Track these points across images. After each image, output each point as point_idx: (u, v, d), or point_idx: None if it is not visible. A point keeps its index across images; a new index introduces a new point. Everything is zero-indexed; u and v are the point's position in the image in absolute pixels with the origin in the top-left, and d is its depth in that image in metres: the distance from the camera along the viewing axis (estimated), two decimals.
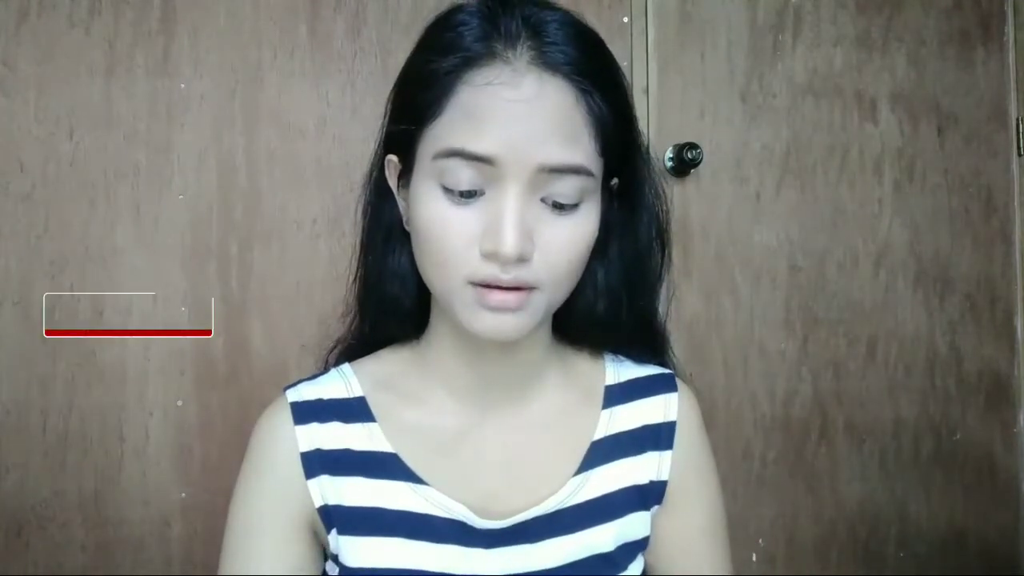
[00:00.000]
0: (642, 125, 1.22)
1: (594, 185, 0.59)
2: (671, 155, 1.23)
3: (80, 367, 1.06)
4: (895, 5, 1.35)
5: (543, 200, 0.57)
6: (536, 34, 0.57)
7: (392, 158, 0.64)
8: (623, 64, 1.22)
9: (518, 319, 0.58)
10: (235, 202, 1.11)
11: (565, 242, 0.58)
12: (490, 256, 0.55)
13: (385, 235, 0.68)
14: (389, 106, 0.65)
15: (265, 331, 1.10)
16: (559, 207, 0.57)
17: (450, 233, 0.57)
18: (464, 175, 0.56)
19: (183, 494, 1.08)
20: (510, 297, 0.56)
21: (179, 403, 1.08)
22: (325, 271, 1.11)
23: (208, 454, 1.08)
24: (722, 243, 1.27)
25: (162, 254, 1.08)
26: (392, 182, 0.65)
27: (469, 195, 0.56)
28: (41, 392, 1.05)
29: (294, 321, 1.11)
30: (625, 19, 1.24)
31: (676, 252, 1.22)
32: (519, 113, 0.55)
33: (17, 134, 1.05)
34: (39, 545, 1.04)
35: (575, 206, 0.58)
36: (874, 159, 1.34)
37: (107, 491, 1.06)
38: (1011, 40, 1.41)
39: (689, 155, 1.21)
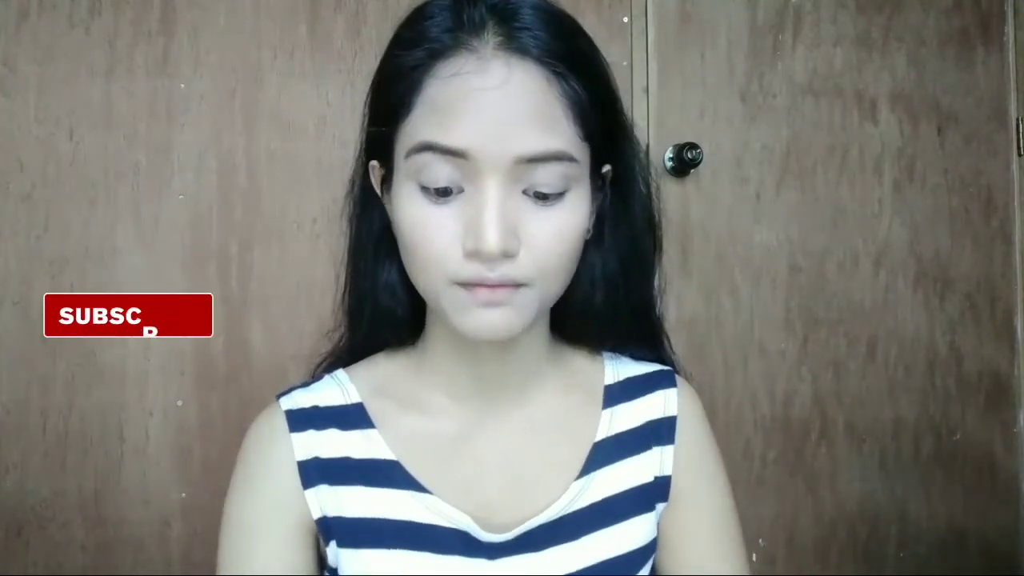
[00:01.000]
0: (642, 125, 1.23)
1: (579, 172, 0.57)
2: (671, 155, 1.23)
3: (80, 367, 1.06)
4: (895, 5, 1.35)
5: (525, 192, 0.55)
6: (503, 21, 0.55)
7: (375, 163, 0.63)
8: (623, 64, 1.23)
9: (508, 314, 0.56)
10: (235, 202, 1.10)
11: (552, 235, 0.55)
12: (473, 255, 0.54)
13: (375, 243, 0.66)
14: (366, 110, 0.63)
15: (265, 331, 1.10)
16: (543, 197, 0.55)
17: (431, 234, 0.55)
18: (440, 172, 0.54)
19: (183, 494, 1.08)
20: (498, 293, 0.55)
21: (179, 403, 1.08)
22: (325, 271, 1.11)
23: (208, 454, 1.08)
24: (722, 243, 1.27)
25: (162, 254, 1.08)
26: (377, 188, 0.64)
27: (447, 192, 0.55)
28: (41, 392, 1.05)
29: (294, 321, 1.10)
30: (625, 19, 1.24)
31: (676, 252, 1.23)
32: (489, 102, 0.53)
33: (17, 134, 1.05)
34: (39, 545, 1.04)
35: (560, 195, 0.56)
36: (874, 159, 1.34)
37: (107, 491, 1.06)
38: (1011, 40, 1.41)
39: (689, 155, 1.21)
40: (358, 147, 0.66)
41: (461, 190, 0.55)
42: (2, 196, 1.05)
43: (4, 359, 1.04)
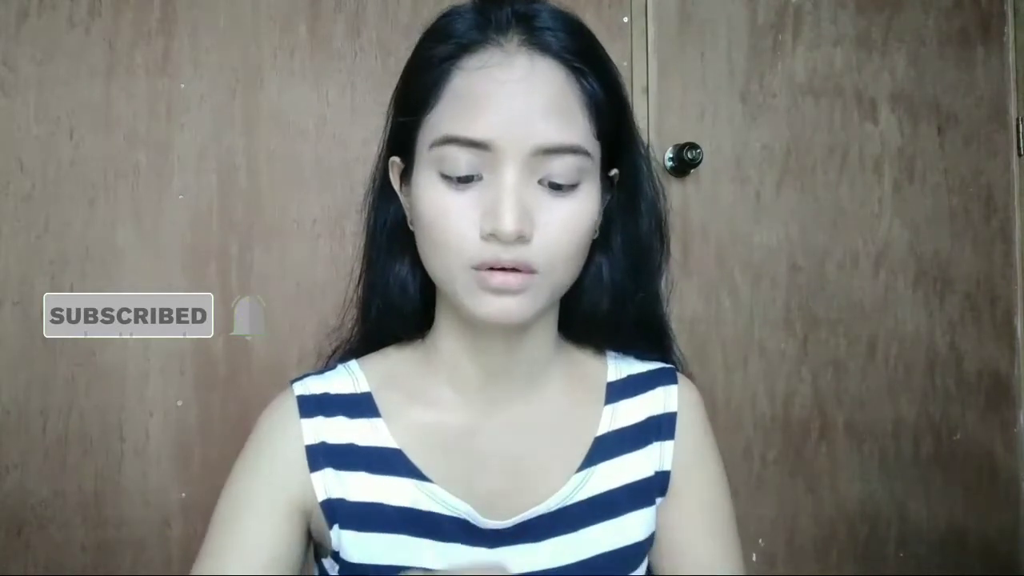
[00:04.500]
0: (642, 125, 1.23)
1: (591, 167, 0.60)
2: (671, 155, 1.23)
3: (80, 367, 1.06)
4: (895, 5, 1.35)
5: (540, 182, 0.58)
6: (526, 21, 0.60)
7: (395, 159, 0.65)
8: (623, 64, 1.23)
9: (521, 301, 0.58)
10: (235, 202, 1.11)
11: (564, 224, 0.58)
12: (490, 237, 0.56)
13: (389, 238, 0.68)
14: (391, 106, 0.66)
15: (265, 331, 1.10)
16: (557, 188, 0.58)
17: (450, 218, 0.58)
18: (462, 161, 0.57)
19: (183, 494, 1.08)
20: (511, 278, 0.57)
21: (179, 403, 1.08)
22: (325, 271, 1.11)
23: (208, 454, 1.08)
24: (722, 243, 1.27)
25: (162, 254, 1.08)
26: (395, 183, 0.66)
27: (467, 180, 0.58)
28: (41, 392, 1.05)
29: (294, 321, 1.11)
30: (625, 19, 1.24)
31: (676, 252, 1.22)
32: (512, 94, 0.57)
33: (17, 134, 1.05)
34: (39, 545, 1.04)
35: (573, 187, 0.59)
36: (874, 159, 1.34)
37: (107, 491, 1.06)
38: (1011, 40, 1.41)
39: (689, 155, 1.21)
40: (381, 144, 0.69)
41: (480, 177, 0.58)
42: (2, 196, 1.05)
43: (4, 359, 1.04)
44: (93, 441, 1.06)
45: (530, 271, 0.58)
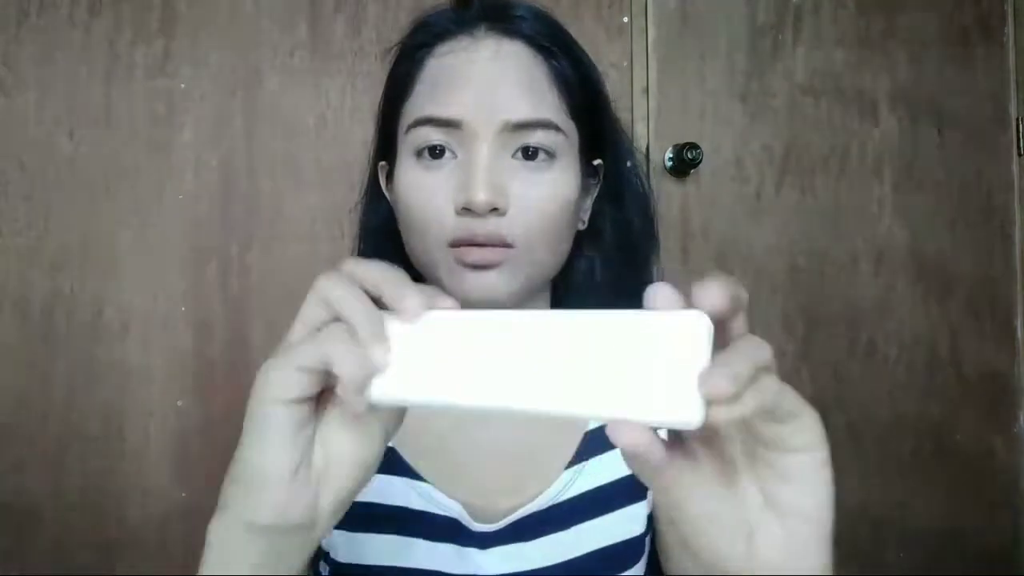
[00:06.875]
0: (642, 125, 1.23)
1: (566, 144, 0.60)
2: (671, 155, 1.23)
3: (80, 367, 1.06)
4: (895, 5, 1.35)
5: (515, 156, 0.59)
6: (495, 12, 0.62)
7: (382, 163, 0.67)
8: (623, 64, 1.23)
9: (500, 276, 0.58)
10: (235, 202, 1.11)
11: (540, 197, 0.59)
12: (464, 211, 0.57)
13: (376, 241, 0.69)
14: (379, 111, 0.68)
15: (265, 331, 1.10)
16: (531, 159, 0.59)
17: (424, 195, 0.59)
18: (435, 138, 0.59)
19: (183, 494, 1.08)
20: (488, 252, 0.58)
21: (179, 403, 1.08)
22: (325, 271, 1.11)
23: (208, 454, 1.08)
24: (722, 243, 1.27)
25: (162, 254, 1.08)
26: (384, 185, 0.67)
27: (440, 152, 0.59)
28: (41, 392, 1.05)
29: (294, 321, 1.10)
30: (625, 19, 1.24)
31: (676, 252, 1.23)
32: (480, 73, 0.59)
33: (17, 134, 1.05)
34: (39, 545, 1.04)
35: (548, 160, 0.59)
36: (874, 159, 1.34)
37: (107, 491, 1.06)
38: (1011, 40, 1.41)
39: (689, 155, 1.21)
40: (371, 153, 0.70)
41: (454, 155, 0.59)
42: (2, 196, 1.05)
43: (4, 359, 1.04)
44: (93, 441, 1.06)
45: (506, 245, 0.58)
